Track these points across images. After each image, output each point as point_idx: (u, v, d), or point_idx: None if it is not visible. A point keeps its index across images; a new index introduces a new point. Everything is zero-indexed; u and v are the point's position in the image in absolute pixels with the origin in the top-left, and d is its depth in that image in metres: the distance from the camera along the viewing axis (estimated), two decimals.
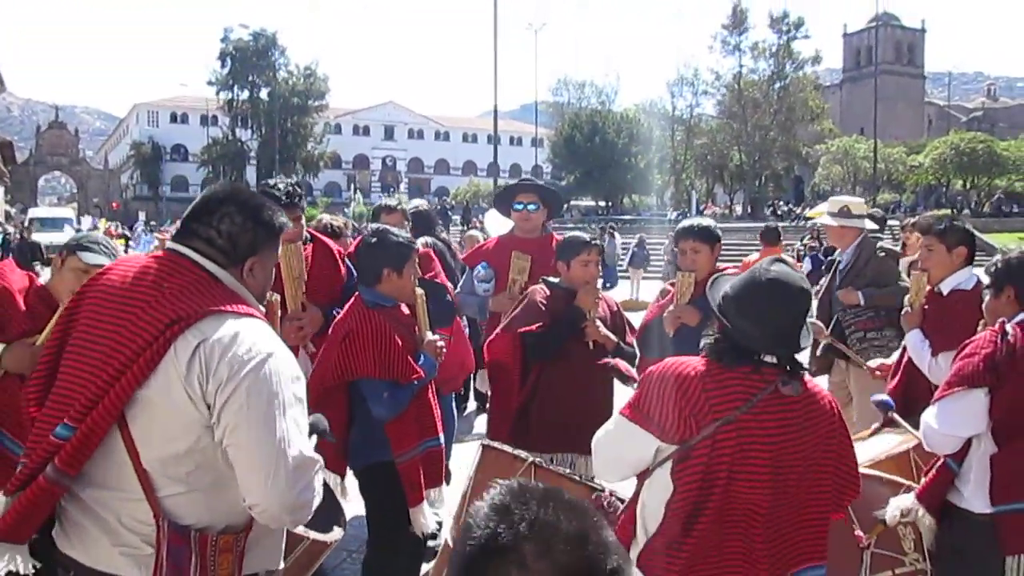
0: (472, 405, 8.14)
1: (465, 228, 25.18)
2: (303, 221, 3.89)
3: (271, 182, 3.83)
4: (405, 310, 3.42)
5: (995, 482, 2.61)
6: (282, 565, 2.19)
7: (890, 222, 21.02)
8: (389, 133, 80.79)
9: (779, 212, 45.76)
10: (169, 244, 2.07)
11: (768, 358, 2.19)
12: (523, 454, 2.83)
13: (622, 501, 2.46)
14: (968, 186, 45.44)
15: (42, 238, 22.80)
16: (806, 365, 2.28)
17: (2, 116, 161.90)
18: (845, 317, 4.97)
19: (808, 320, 2.26)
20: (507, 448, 2.88)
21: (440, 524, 3.97)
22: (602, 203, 53.50)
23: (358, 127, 79.13)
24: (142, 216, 47.34)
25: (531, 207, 4.52)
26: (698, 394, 2.13)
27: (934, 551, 2.76)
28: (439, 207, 36.70)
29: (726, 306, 2.25)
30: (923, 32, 76.61)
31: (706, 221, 4.16)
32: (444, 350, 3.46)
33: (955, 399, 2.63)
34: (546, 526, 1.09)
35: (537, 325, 3.66)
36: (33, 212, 34.47)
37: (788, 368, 2.19)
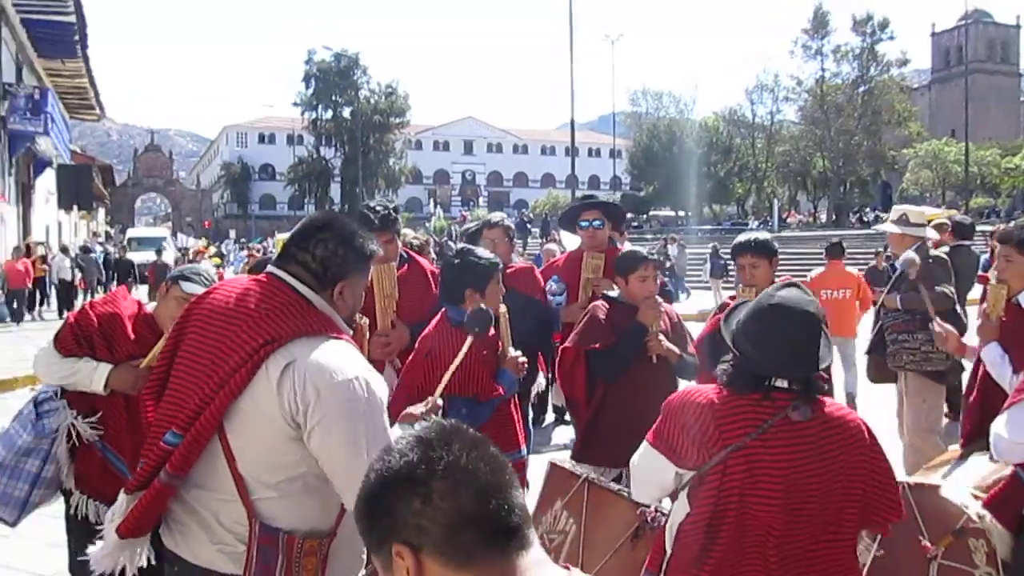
0: (550, 417, 8.23)
1: (544, 240, 25.26)
2: (398, 242, 4.07)
3: (370, 204, 4.04)
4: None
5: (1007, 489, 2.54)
6: (362, 574, 2.30)
7: (983, 228, 20.21)
8: (468, 148, 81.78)
9: (865, 219, 44.37)
10: (269, 268, 2.22)
11: (779, 383, 2.18)
12: (579, 470, 2.94)
13: (666, 517, 2.50)
14: None
15: (137, 257, 24.48)
16: (823, 389, 2.24)
17: (102, 141, 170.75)
18: (886, 320, 5.15)
19: (823, 343, 2.23)
20: (567, 465, 3.02)
21: None
22: (681, 213, 52.91)
23: (438, 142, 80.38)
24: (232, 234, 49.19)
25: (596, 223, 4.63)
26: (709, 422, 2.16)
27: (1010, 563, 2.68)
28: (518, 220, 36.99)
29: (738, 334, 2.28)
30: (1017, 28, 73.27)
31: (763, 235, 4.17)
32: (525, 366, 3.50)
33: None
34: (462, 471, 1.15)
35: (601, 344, 3.70)
36: (131, 232, 36.36)
37: (800, 392, 2.18)
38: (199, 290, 3.11)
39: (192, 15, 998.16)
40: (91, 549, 2.19)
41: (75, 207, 29.77)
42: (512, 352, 3.46)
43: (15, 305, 17.36)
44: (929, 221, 6.45)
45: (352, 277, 2.18)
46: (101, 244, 29.28)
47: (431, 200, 63.52)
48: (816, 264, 10.50)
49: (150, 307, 3.38)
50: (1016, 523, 2.64)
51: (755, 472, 2.11)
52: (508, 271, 4.41)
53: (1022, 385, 2.62)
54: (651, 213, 50.14)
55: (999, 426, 2.61)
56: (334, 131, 60.39)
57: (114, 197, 55.86)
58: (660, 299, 3.93)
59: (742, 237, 4.14)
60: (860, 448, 2.20)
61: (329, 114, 60.31)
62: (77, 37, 21.08)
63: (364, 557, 2.28)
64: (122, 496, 2.13)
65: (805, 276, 8.36)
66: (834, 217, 50.09)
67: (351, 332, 2.23)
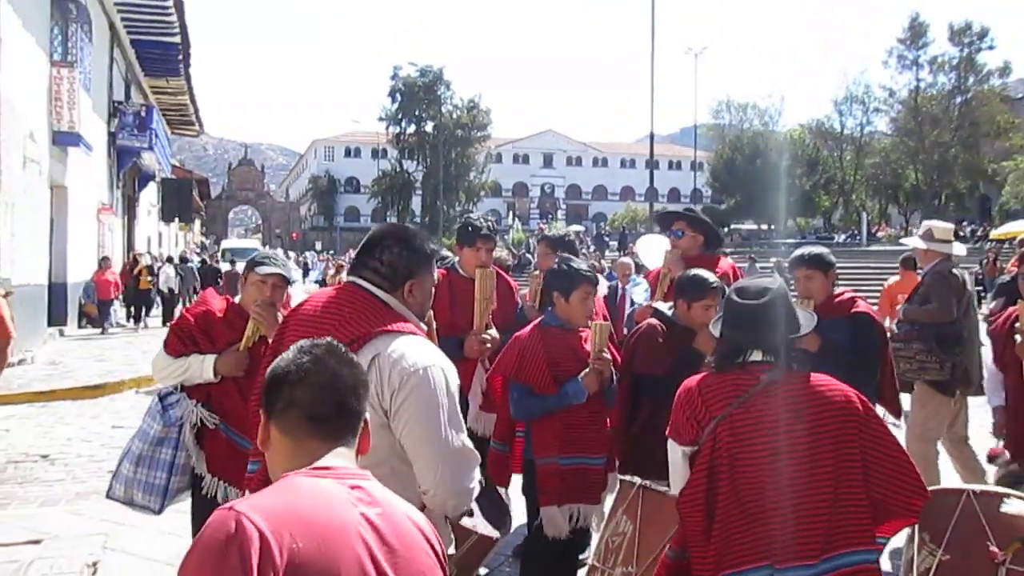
0: None
1: (621, 253, 25.20)
2: (494, 252, 4.51)
3: (471, 217, 4.53)
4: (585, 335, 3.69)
5: None
6: (451, 550, 2.48)
7: None
8: (548, 161, 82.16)
9: (962, 233, 42.67)
10: (347, 277, 2.49)
11: (755, 356, 2.47)
12: (636, 480, 3.21)
13: None
14: None
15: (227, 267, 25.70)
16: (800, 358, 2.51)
17: (199, 155, 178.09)
18: (899, 329, 5.34)
19: (789, 314, 2.52)
20: (628, 478, 3.27)
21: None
22: (764, 227, 51.91)
23: (518, 155, 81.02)
24: (318, 245, 50.67)
25: (679, 233, 4.77)
26: (697, 399, 2.49)
27: None
28: (596, 233, 37.07)
29: (723, 326, 2.62)
30: None
31: (818, 249, 4.24)
32: (611, 377, 3.64)
33: None
34: (322, 365, 1.59)
35: (659, 371, 3.62)
36: (226, 243, 37.89)
37: (773, 360, 2.45)
38: (271, 270, 3.58)
39: (285, 33, 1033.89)
40: None
41: (177, 219, 31.24)
42: (598, 366, 3.55)
43: (101, 315, 17.42)
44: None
45: (418, 276, 2.42)
46: (198, 254, 30.66)
47: (510, 212, 64.04)
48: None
49: (236, 299, 3.75)
50: None
51: (741, 437, 2.37)
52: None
53: None
54: (732, 226, 49.34)
55: None
56: (417, 145, 61.53)
57: (209, 209, 58.20)
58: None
59: (798, 252, 4.26)
60: (847, 415, 2.38)
61: (412, 128, 61.48)
62: (181, 57, 22.27)
63: (451, 535, 2.46)
64: None
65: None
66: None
67: (424, 328, 2.45)
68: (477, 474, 2.31)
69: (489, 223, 4.48)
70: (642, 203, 58.22)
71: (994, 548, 2.71)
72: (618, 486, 3.33)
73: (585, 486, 3.61)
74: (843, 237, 44.16)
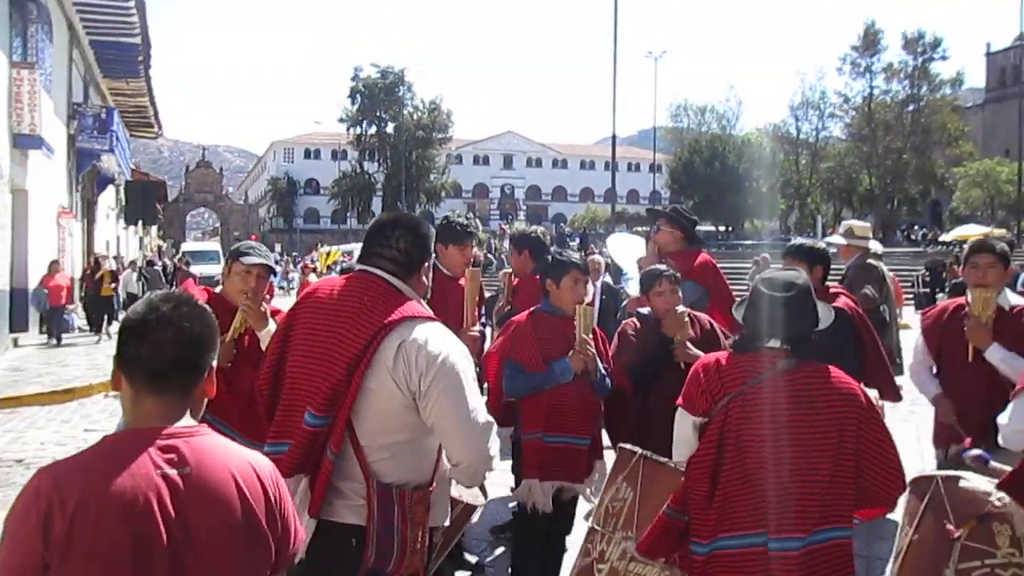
0: None
1: (584, 253, 25.53)
2: (473, 250, 4.67)
3: (451, 216, 4.63)
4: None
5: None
6: (447, 523, 2.65)
7: None
8: (508, 162, 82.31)
9: (913, 237, 43.83)
10: (359, 266, 2.59)
11: (773, 343, 2.63)
12: (636, 449, 3.35)
13: None
14: None
15: (195, 270, 25.32)
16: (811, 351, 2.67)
17: (155, 158, 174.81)
18: None
19: (810, 309, 2.70)
20: (628, 447, 3.41)
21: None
22: (722, 228, 52.73)
23: (478, 157, 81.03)
24: (278, 247, 50.16)
25: (657, 228, 5.19)
26: (714, 375, 2.67)
27: None
28: (557, 233, 37.33)
29: (742, 308, 2.81)
30: None
31: (809, 242, 4.53)
32: (594, 360, 3.86)
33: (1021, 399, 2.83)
34: (166, 322, 1.66)
35: (631, 358, 4.02)
36: (185, 247, 37.41)
37: (790, 349, 2.61)
38: (256, 260, 3.63)
39: (242, 34, 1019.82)
40: None
41: (140, 222, 30.73)
42: (582, 346, 3.80)
43: (51, 323, 16.06)
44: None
45: (427, 260, 2.60)
46: (158, 258, 30.26)
47: (470, 214, 63.94)
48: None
49: (217, 289, 3.80)
50: None
51: (750, 415, 2.56)
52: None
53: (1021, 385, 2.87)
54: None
55: (1003, 414, 2.90)
56: (377, 146, 61.24)
57: (166, 212, 57.23)
58: (698, 314, 4.19)
59: (791, 243, 4.54)
60: (851, 407, 2.58)
61: (373, 129, 61.20)
62: (141, 58, 21.93)
63: (448, 507, 2.63)
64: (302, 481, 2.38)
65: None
66: (881, 235, 49.52)
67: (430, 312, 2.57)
68: (497, 443, 2.48)
69: (470, 221, 4.62)
70: (602, 204, 58.75)
71: (951, 526, 2.94)
72: (617, 453, 3.48)
73: (568, 465, 3.84)
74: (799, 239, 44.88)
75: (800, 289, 2.70)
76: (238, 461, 1.70)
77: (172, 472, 1.58)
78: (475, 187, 78.93)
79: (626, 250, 6.66)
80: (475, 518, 3.29)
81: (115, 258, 22.49)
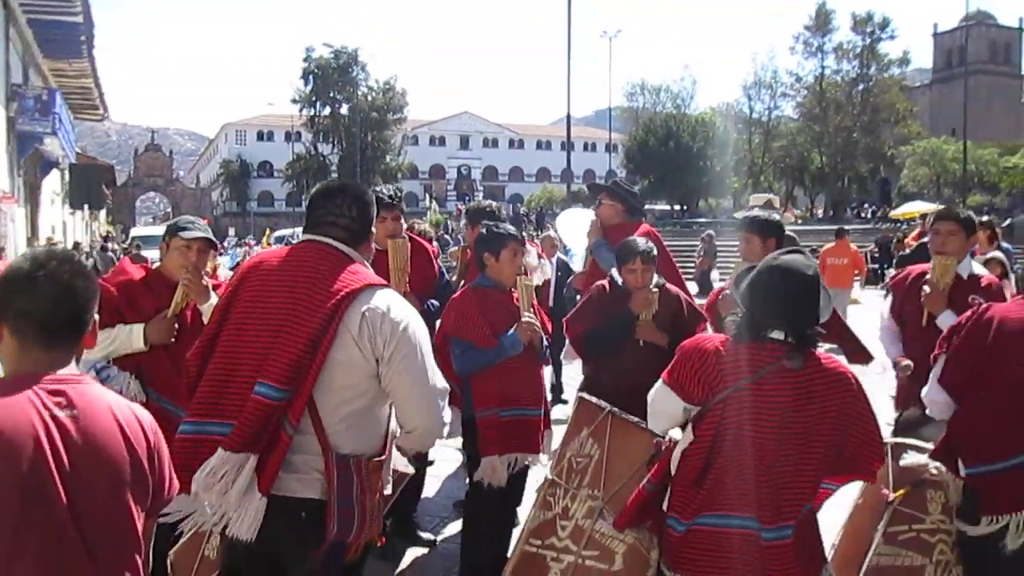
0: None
1: (539, 232, 25.59)
2: (402, 221, 4.56)
3: (377, 187, 4.50)
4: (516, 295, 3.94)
5: (959, 445, 2.80)
6: (388, 491, 2.66)
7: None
8: (464, 143, 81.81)
9: (863, 215, 44.71)
10: (306, 236, 2.54)
11: (777, 335, 2.50)
12: (603, 404, 3.27)
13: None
14: None
15: (147, 254, 24.70)
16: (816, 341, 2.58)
17: (102, 141, 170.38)
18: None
19: (821, 301, 2.56)
20: (593, 399, 3.34)
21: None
22: (677, 207, 53.17)
23: (434, 137, 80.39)
24: (232, 231, 49.36)
25: (599, 202, 5.28)
26: (713, 365, 2.53)
27: (960, 508, 2.91)
28: (513, 212, 37.31)
29: (744, 291, 2.63)
30: (1020, 31, 73.36)
31: (764, 214, 4.49)
32: (539, 333, 3.88)
33: (936, 367, 2.92)
34: (57, 279, 1.72)
35: (589, 325, 4.05)
36: (135, 231, 36.53)
37: (795, 344, 2.49)
38: (196, 234, 3.55)
39: (191, 14, 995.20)
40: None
41: (86, 207, 29.96)
42: (527, 318, 3.83)
43: None
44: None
45: (373, 224, 2.61)
46: (107, 243, 29.53)
47: (427, 195, 63.68)
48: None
49: (155, 266, 3.73)
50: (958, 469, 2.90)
51: (751, 410, 2.47)
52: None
53: (937, 351, 2.94)
54: (646, 207, 50.29)
55: (924, 388, 2.96)
56: (332, 127, 60.36)
57: (115, 197, 55.91)
58: (671, 287, 4.20)
59: (746, 215, 4.53)
60: (847, 393, 2.53)
61: (327, 111, 60.30)
62: (84, 38, 21.34)
63: (391, 475, 2.66)
64: (228, 454, 2.28)
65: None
66: (831, 212, 50.39)
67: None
68: (448, 408, 2.53)
69: (392, 191, 4.53)
70: (558, 184, 58.74)
71: (887, 491, 3.02)
72: (576, 404, 3.43)
73: (524, 436, 3.85)
74: None
75: (813, 278, 2.55)
76: (121, 407, 1.79)
77: (61, 414, 1.66)
78: (431, 168, 78.34)
79: (575, 225, 6.78)
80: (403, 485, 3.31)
81: (76, 244, 21.78)
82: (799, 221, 40.89)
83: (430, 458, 6.35)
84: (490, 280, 3.95)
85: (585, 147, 80.00)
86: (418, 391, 2.40)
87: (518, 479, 4.05)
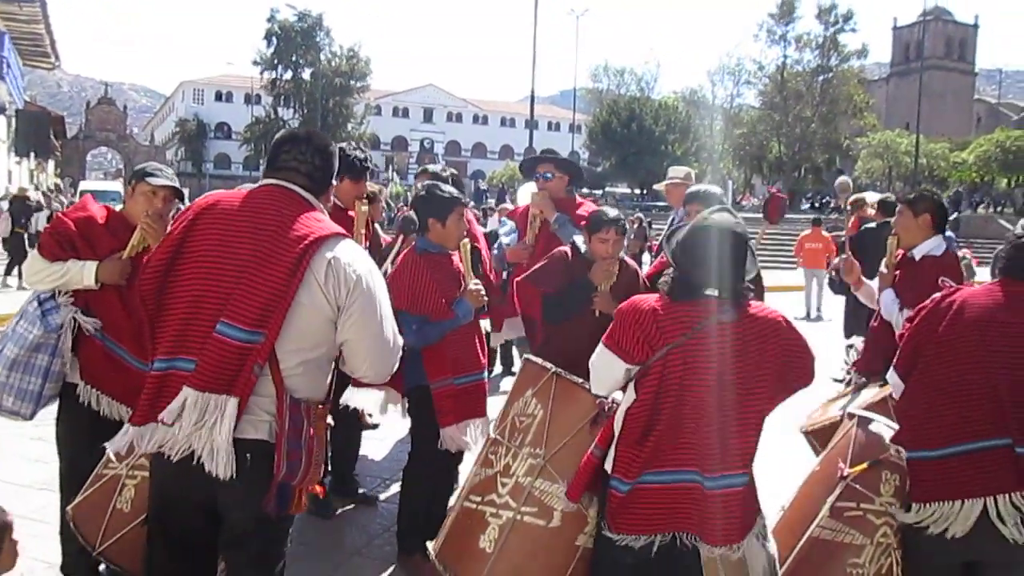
0: (498, 368, 8.62)
1: (499, 207, 25.61)
2: (366, 186, 4.54)
3: (347, 148, 4.33)
4: (457, 258, 3.91)
5: (900, 429, 2.85)
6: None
7: None
8: (428, 116, 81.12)
9: (816, 204, 45.49)
10: (269, 180, 2.50)
11: (710, 292, 2.60)
12: (548, 365, 3.28)
13: (619, 406, 2.88)
14: (1013, 185, 44.75)
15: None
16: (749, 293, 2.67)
17: (52, 92, 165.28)
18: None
19: (748, 258, 2.68)
20: (538, 361, 3.35)
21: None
22: (637, 190, 53.50)
23: (398, 109, 79.55)
24: (186, 191, 48.27)
25: (547, 176, 5.01)
26: (651, 324, 2.61)
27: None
28: (475, 188, 37.05)
29: (676, 251, 2.73)
30: (976, 28, 74.94)
31: (710, 187, 4.45)
32: (485, 298, 3.86)
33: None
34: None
35: (548, 288, 4.02)
36: (84, 185, 35.47)
37: (728, 299, 2.59)
38: (163, 181, 3.51)
39: None
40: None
41: (34, 155, 29.08)
42: (473, 284, 3.80)
43: None
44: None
45: (333, 179, 2.61)
46: (48, 196, 28.66)
47: (388, 167, 63.07)
48: (766, 244, 15.64)
49: (118, 207, 3.65)
50: None
51: (690, 365, 2.55)
52: None
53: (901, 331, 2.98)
54: (607, 189, 50.56)
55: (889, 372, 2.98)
56: (293, 92, 59.24)
57: (64, 150, 54.36)
58: (630, 260, 4.18)
59: (692, 188, 4.52)
60: (778, 334, 2.63)
61: (289, 75, 59.13)
62: None
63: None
64: (196, 393, 2.29)
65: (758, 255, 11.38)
66: (788, 202, 51.13)
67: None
68: (399, 356, 2.58)
69: (364, 156, 4.48)
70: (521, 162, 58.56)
71: (843, 465, 3.02)
72: (523, 365, 3.44)
73: (477, 401, 3.86)
74: None
75: (740, 235, 2.67)
76: None
77: None
78: (394, 140, 77.57)
79: (528, 196, 6.72)
80: None
81: (46, 194, 20.85)
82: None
83: (376, 421, 6.34)
84: (433, 244, 3.86)
85: (549, 126, 79.91)
86: (372, 342, 2.45)
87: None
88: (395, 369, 2.57)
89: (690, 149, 51.56)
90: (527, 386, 3.31)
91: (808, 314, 14.81)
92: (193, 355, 2.32)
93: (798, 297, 15.46)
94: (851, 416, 3.25)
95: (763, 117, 53.96)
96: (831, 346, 7.33)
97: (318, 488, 2.58)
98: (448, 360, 3.77)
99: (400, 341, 2.56)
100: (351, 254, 2.42)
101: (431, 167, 5.57)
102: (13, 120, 26.75)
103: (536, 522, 3.02)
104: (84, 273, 3.36)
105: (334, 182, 2.61)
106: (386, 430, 5.99)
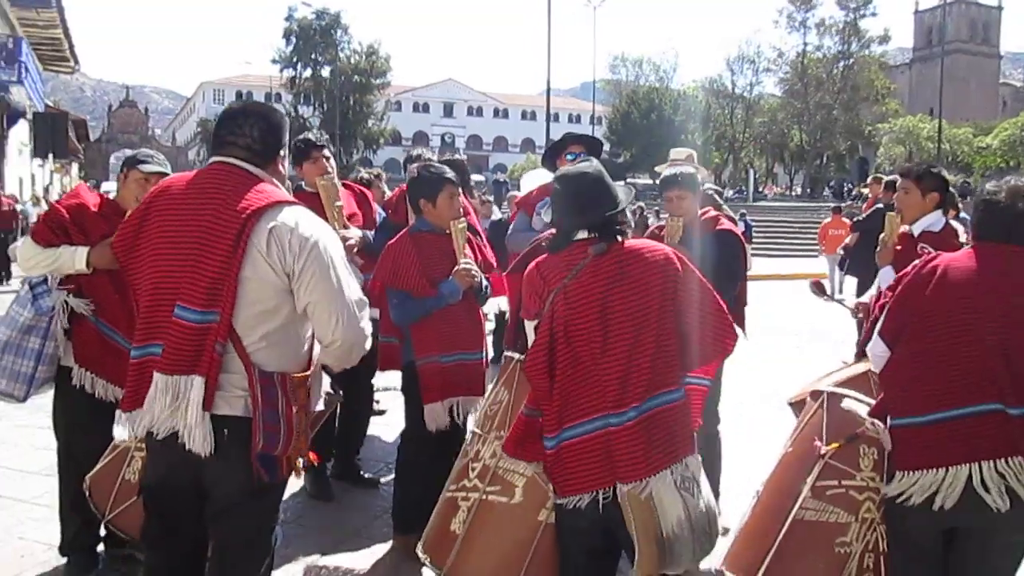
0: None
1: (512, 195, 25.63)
2: (332, 162, 4.56)
3: (303, 135, 4.56)
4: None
5: (887, 396, 2.78)
6: (321, 406, 2.70)
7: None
8: (448, 110, 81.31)
9: (838, 192, 44.99)
10: (213, 159, 2.53)
11: (580, 235, 2.69)
12: (515, 355, 3.32)
13: None
14: None
15: None
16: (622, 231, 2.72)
17: (76, 96, 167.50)
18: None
19: (609, 193, 2.74)
20: (513, 354, 3.38)
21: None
22: (658, 180, 53.25)
23: (418, 104, 79.82)
24: None
25: (579, 155, 4.84)
26: (536, 277, 2.73)
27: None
28: (494, 180, 36.94)
29: (548, 207, 2.81)
30: (999, 10, 73.69)
31: (689, 169, 4.41)
32: (476, 279, 3.85)
33: (880, 319, 2.88)
34: None
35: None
36: (106, 186, 35.99)
37: (599, 235, 2.67)
38: (155, 168, 3.57)
39: None
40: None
41: (50, 157, 29.46)
42: (464, 265, 3.79)
43: None
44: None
45: (283, 148, 2.59)
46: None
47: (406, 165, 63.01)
48: (788, 232, 17.15)
49: (112, 195, 3.72)
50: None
51: (573, 305, 2.61)
52: None
53: (882, 300, 2.93)
54: (628, 180, 50.41)
55: (869, 343, 2.91)
56: (313, 90, 59.55)
57: (88, 152, 55.09)
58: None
59: (670, 171, 4.41)
60: (667, 272, 2.64)
61: (308, 72, 59.48)
62: None
63: (321, 394, 2.69)
64: (165, 377, 2.34)
65: (779, 244, 11.10)
66: (809, 190, 50.65)
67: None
68: (369, 325, 2.54)
69: (319, 134, 4.63)
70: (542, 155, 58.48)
71: (819, 443, 2.98)
72: (503, 362, 3.48)
73: (465, 380, 3.84)
74: (731, 193, 45.64)
75: (592, 175, 2.74)
76: None
77: None
78: (415, 135, 77.77)
79: (534, 184, 6.73)
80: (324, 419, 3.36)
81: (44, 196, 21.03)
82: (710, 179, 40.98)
83: (383, 407, 6.37)
84: (428, 224, 3.88)
85: (570, 119, 79.71)
86: (332, 304, 2.41)
87: (457, 427, 4.00)
88: (367, 338, 2.54)
89: (710, 138, 51.25)
90: (499, 378, 3.39)
91: (832, 297, 14.86)
92: (160, 340, 2.38)
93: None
94: (816, 395, 3.19)
95: (784, 105, 53.46)
96: (851, 331, 7.26)
97: (312, 456, 2.59)
98: (435, 337, 3.78)
99: (362, 297, 2.52)
100: (294, 219, 2.40)
101: (416, 151, 5.51)
102: (31, 123, 27.11)
103: (499, 499, 3.04)
104: (76, 258, 3.43)
105: (282, 152, 2.59)
106: (392, 415, 6.02)
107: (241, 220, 2.33)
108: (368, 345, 2.56)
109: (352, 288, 2.47)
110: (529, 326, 2.81)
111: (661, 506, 2.53)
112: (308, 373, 2.51)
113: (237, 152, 2.48)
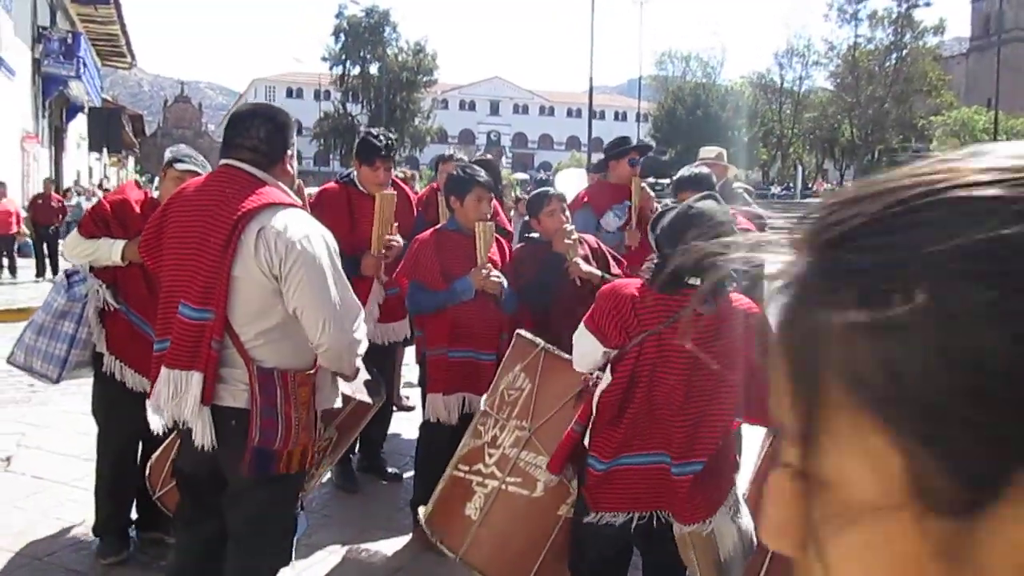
0: None
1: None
2: (393, 171, 4.56)
3: (373, 131, 4.46)
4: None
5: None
6: (339, 403, 2.76)
7: None
8: (494, 108, 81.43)
9: None
10: (221, 160, 2.62)
11: (692, 281, 2.55)
12: (538, 341, 3.30)
13: None
14: None
15: None
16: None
17: (133, 91, 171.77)
18: None
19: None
20: (528, 336, 3.38)
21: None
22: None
23: (464, 102, 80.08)
24: None
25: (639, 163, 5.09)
26: (630, 311, 2.62)
27: None
28: (537, 179, 36.98)
29: (660, 236, 2.69)
30: None
31: (704, 170, 4.43)
32: (494, 281, 3.84)
33: None
34: None
35: (527, 278, 4.02)
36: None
37: (709, 289, 2.47)
38: (189, 167, 3.71)
39: None
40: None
41: (105, 150, 30.32)
42: (494, 277, 3.82)
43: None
44: None
45: (289, 149, 2.63)
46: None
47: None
48: None
49: (155, 194, 3.94)
50: None
51: (665, 353, 2.56)
52: None
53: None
54: (673, 178, 49.79)
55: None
56: (361, 87, 60.12)
57: (143, 146, 56.41)
58: (587, 236, 4.15)
59: (684, 172, 4.45)
60: (760, 340, 2.51)
61: (357, 70, 60.07)
62: None
63: (337, 392, 2.75)
64: (168, 371, 2.49)
65: None
66: None
67: (298, 200, 2.66)
68: (362, 326, 2.58)
69: (389, 139, 4.45)
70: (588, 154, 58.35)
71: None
72: (514, 340, 3.47)
73: (472, 378, 3.88)
74: (779, 190, 45.02)
75: (731, 224, 2.62)
76: None
77: None
78: (461, 133, 78.13)
79: (570, 183, 6.86)
80: (369, 416, 3.39)
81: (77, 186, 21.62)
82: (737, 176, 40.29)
83: (411, 403, 6.41)
84: (456, 224, 3.97)
85: (616, 116, 79.24)
86: (317, 309, 2.44)
87: (470, 419, 4.04)
88: (358, 344, 2.57)
89: (757, 135, 50.54)
90: (517, 361, 3.36)
91: None
92: (169, 335, 2.52)
93: None
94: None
95: (834, 99, 52.42)
96: None
97: (317, 451, 2.68)
98: (445, 331, 3.86)
99: (355, 303, 2.57)
100: (285, 223, 2.43)
101: (448, 152, 5.60)
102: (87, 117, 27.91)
103: (520, 492, 3.09)
104: (113, 250, 3.62)
105: (289, 152, 2.66)
106: (418, 412, 6.08)
107: (231, 221, 2.42)
108: (360, 351, 2.59)
109: (343, 292, 2.51)
110: (595, 345, 2.73)
111: (721, 537, 2.65)
112: (311, 371, 2.56)
113: (244, 154, 2.57)
